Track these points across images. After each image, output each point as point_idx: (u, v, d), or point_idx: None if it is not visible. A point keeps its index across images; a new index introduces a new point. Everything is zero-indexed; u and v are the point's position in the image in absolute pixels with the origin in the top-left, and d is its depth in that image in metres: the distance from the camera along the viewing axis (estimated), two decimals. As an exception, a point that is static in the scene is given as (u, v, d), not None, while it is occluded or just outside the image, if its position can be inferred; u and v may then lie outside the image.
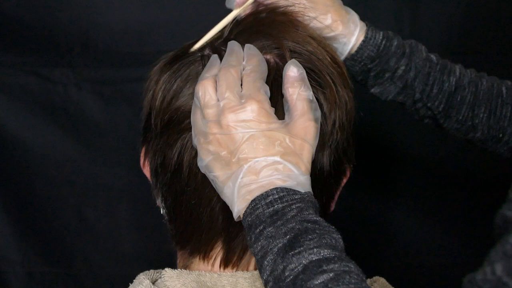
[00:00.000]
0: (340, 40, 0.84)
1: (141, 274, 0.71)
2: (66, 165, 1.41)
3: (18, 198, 1.44)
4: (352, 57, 0.86)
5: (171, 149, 0.68)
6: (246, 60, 0.67)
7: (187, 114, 0.68)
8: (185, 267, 0.71)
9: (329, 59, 0.71)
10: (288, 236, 0.59)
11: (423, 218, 1.43)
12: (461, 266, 1.42)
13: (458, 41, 1.25)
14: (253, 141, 0.63)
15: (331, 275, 0.56)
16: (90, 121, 1.39)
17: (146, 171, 0.74)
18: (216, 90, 0.65)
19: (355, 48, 0.85)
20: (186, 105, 0.68)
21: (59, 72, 1.37)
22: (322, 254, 0.57)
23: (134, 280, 0.71)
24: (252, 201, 0.62)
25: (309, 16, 0.79)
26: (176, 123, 0.68)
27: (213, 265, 0.70)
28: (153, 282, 0.69)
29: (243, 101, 0.63)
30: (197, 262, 0.71)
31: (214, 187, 0.65)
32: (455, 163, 1.41)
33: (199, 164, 0.65)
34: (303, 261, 0.57)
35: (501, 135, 0.92)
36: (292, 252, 0.58)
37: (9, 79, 1.38)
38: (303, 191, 0.62)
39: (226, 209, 0.66)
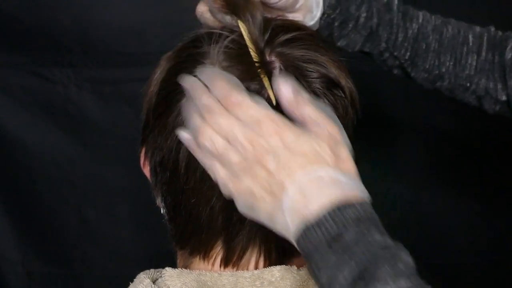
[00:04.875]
0: None
1: (141, 273, 0.71)
2: (66, 165, 1.41)
3: (18, 198, 1.44)
4: None
5: (167, 142, 0.68)
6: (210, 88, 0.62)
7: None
8: (185, 267, 0.71)
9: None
10: (357, 268, 0.54)
11: (424, 213, 1.43)
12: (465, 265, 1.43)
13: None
14: (288, 160, 0.58)
15: None
16: (90, 121, 1.39)
17: (146, 171, 0.74)
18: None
19: None
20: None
21: (59, 72, 1.37)
22: (399, 286, 0.53)
23: (134, 279, 0.71)
24: (304, 230, 0.57)
25: None
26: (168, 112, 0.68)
27: (213, 264, 0.70)
28: (154, 281, 0.69)
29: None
30: (197, 262, 0.71)
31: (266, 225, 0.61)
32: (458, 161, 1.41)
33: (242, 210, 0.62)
34: None
35: (468, 84, 0.91)
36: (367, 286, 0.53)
37: (9, 79, 1.38)
38: (362, 194, 0.58)
39: (225, 209, 0.66)
